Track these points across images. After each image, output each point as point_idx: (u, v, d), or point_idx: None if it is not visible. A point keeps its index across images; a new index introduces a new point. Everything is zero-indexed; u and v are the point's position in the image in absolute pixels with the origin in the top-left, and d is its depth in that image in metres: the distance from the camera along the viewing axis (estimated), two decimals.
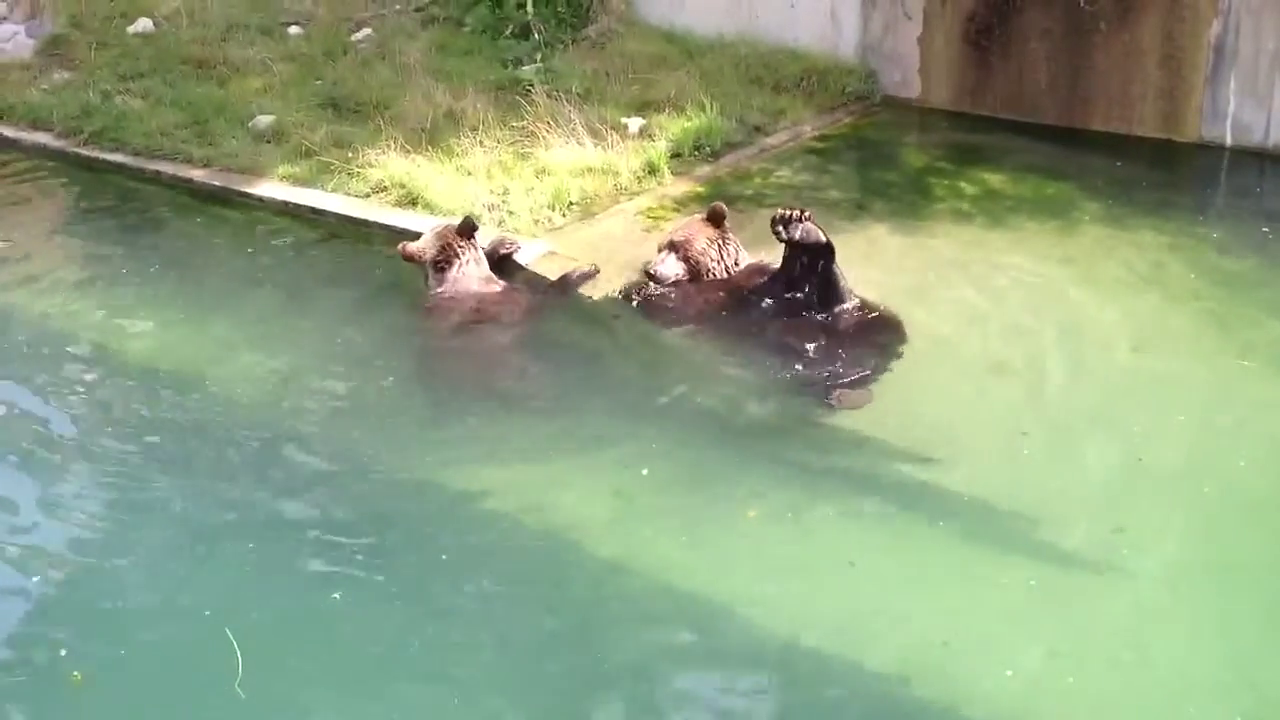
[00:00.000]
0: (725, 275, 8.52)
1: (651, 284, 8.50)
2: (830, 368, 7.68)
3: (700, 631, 5.90)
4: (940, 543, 6.31)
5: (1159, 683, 5.47)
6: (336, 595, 6.06)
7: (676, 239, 8.57)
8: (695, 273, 8.51)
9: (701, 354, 8.11)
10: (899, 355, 7.84)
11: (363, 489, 6.93)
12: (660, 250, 8.61)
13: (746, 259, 8.65)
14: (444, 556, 6.36)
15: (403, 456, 7.17)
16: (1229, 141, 10.77)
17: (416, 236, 8.95)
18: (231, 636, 5.70)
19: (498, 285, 8.68)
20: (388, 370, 8.06)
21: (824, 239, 7.98)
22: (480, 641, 5.85)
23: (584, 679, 5.66)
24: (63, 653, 5.77)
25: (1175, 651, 5.62)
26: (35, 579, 6.31)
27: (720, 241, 8.55)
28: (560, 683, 5.63)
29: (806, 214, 7.97)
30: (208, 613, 5.95)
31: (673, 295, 8.42)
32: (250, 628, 5.83)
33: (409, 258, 8.74)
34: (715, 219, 8.61)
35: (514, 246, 9.04)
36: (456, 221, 8.86)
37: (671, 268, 8.50)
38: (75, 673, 5.55)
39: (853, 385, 7.54)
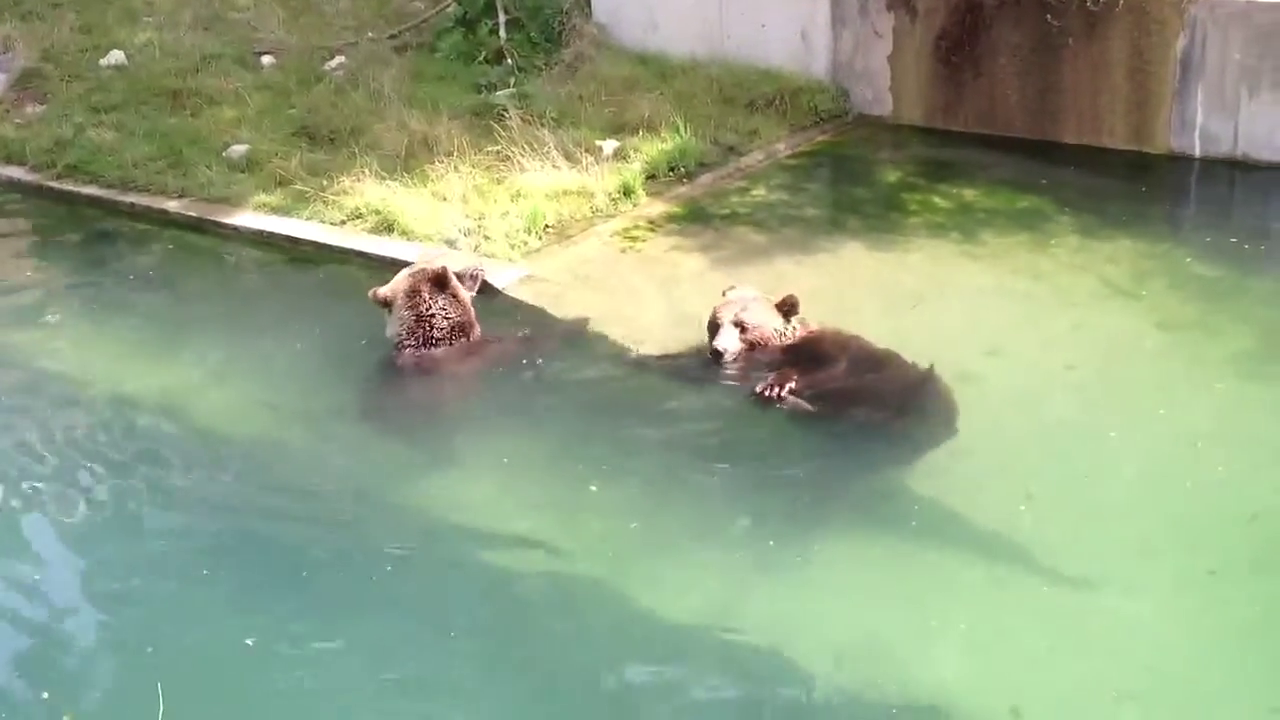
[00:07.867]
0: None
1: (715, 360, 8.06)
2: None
3: (714, 666, 5.86)
4: (925, 558, 6.34)
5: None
6: (251, 641, 5.95)
7: (747, 323, 8.05)
8: (753, 348, 8.07)
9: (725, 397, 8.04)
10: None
11: (327, 525, 6.90)
12: (723, 324, 8.08)
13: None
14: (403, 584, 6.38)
15: (368, 494, 7.14)
16: (1198, 152, 10.85)
17: (393, 263, 8.88)
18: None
19: (468, 332, 8.37)
20: (356, 404, 8.08)
21: (811, 408, 7.61)
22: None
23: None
24: (45, 695, 5.73)
25: (1206, 678, 5.62)
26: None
27: (786, 332, 8.14)
28: None
29: (785, 389, 7.64)
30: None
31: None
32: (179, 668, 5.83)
33: (381, 303, 8.32)
34: (787, 311, 8.18)
35: (480, 272, 8.72)
36: (428, 260, 8.54)
37: (734, 343, 8.00)
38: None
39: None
